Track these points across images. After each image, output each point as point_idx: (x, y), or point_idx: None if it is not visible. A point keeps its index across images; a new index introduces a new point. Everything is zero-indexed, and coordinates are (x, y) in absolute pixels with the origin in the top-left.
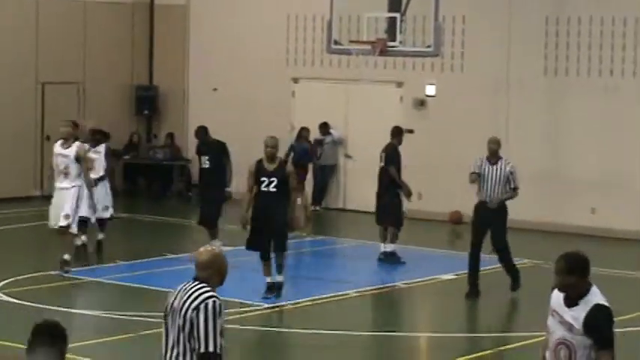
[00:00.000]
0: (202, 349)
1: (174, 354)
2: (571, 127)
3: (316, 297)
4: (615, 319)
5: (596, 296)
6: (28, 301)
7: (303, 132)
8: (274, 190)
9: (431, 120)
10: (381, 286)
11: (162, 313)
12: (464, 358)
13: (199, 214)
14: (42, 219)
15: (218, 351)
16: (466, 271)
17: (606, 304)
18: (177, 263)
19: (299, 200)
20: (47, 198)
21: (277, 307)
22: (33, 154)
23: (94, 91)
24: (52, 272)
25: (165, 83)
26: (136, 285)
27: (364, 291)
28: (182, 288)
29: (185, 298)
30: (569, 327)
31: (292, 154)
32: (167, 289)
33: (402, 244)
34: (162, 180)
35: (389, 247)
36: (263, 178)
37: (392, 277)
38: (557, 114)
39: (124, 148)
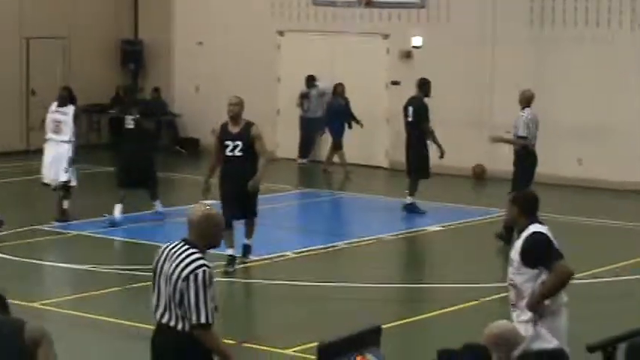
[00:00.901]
0: (194, 321)
1: (166, 319)
2: (557, 78)
3: (304, 249)
4: (600, 269)
5: (534, 228)
6: (16, 256)
7: (339, 88)
8: (240, 154)
9: (417, 71)
10: (368, 238)
11: (149, 267)
12: (446, 310)
13: (129, 178)
14: (28, 174)
15: (210, 321)
16: (452, 223)
17: (542, 230)
18: (165, 217)
19: (336, 158)
20: (33, 152)
21: (264, 259)
22: (18, 109)
23: (79, 45)
24: (38, 227)
25: (150, 37)
26: (123, 239)
27: (352, 242)
28: (171, 250)
29: (175, 264)
30: (511, 262)
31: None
32: (155, 243)
33: (389, 195)
34: None
35: (408, 199)
36: (227, 142)
37: (378, 229)
38: (542, 65)
39: (110, 102)
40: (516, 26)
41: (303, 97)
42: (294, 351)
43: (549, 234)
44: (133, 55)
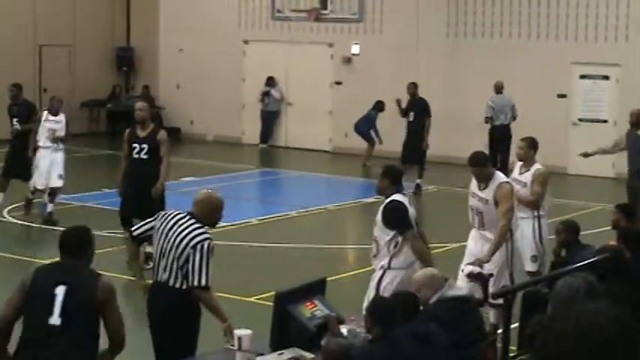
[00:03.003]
0: (196, 283)
1: (166, 277)
2: (467, 79)
3: (265, 217)
4: None
5: (393, 197)
6: (32, 223)
7: (380, 103)
8: (145, 157)
9: (356, 74)
10: (316, 208)
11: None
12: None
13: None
14: None
15: (209, 284)
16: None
17: (399, 199)
18: None
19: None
20: None
21: (231, 225)
22: None
23: (82, 51)
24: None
25: (140, 45)
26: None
27: (303, 212)
28: (176, 219)
29: (182, 234)
30: (377, 223)
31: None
32: None
33: (334, 174)
34: None
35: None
36: (134, 145)
37: (323, 200)
38: (457, 68)
39: (108, 98)
40: (436, 38)
41: (264, 94)
42: (256, 298)
43: (407, 203)
44: (126, 60)
